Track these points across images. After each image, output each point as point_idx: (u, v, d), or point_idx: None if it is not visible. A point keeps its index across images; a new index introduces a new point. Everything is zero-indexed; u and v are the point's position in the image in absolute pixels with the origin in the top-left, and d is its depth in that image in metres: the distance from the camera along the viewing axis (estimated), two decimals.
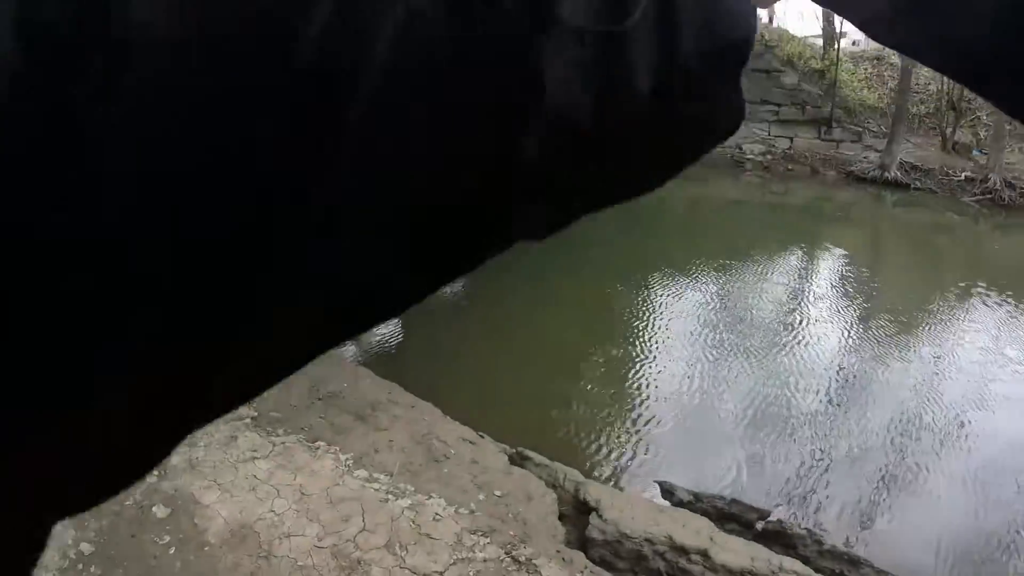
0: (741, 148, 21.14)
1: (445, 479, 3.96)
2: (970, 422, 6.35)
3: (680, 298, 9.62)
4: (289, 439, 4.17)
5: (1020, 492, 5.40)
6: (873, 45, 29.36)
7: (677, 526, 3.79)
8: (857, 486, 5.32)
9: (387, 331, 8.54)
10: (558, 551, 3.46)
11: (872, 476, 5.47)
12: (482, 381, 6.69)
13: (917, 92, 20.48)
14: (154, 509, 3.45)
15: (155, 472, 2.68)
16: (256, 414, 4.48)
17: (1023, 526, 5.00)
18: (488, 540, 3.37)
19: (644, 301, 9.49)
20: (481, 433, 4.82)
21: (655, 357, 7.66)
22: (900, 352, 8.00)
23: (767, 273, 11.13)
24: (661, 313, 9.10)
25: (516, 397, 6.29)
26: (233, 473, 3.78)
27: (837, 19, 22.43)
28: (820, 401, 6.66)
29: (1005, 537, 4.88)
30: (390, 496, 3.64)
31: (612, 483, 4.94)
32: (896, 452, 5.82)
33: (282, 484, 3.70)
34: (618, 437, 5.81)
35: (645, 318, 8.93)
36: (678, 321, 8.76)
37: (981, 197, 16.58)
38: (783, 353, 7.81)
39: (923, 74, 21.04)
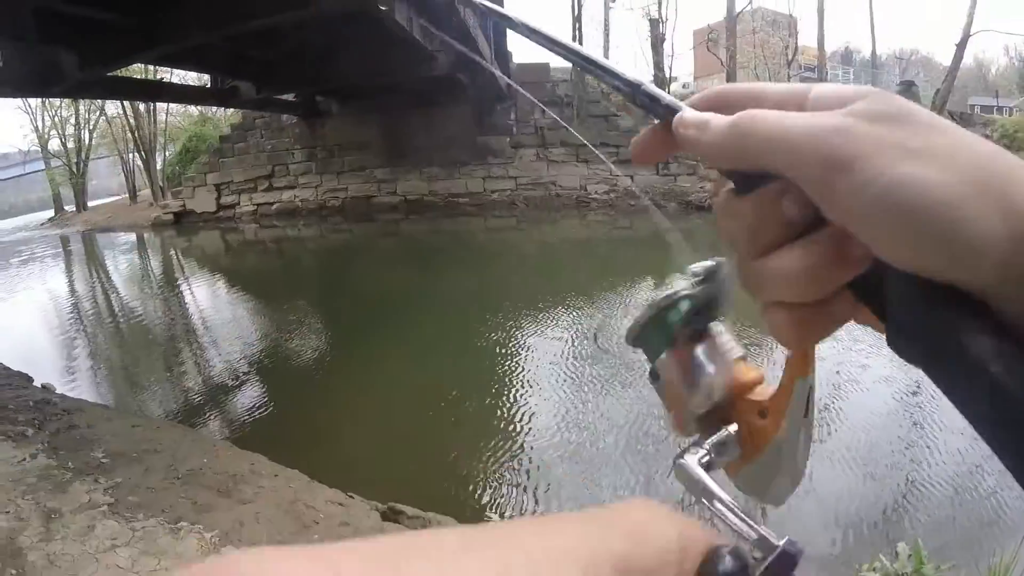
0: (586, 189, 22.09)
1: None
2: (834, 405, 6.85)
3: (542, 335, 9.91)
4: (149, 523, 4.13)
5: (892, 468, 5.83)
6: (701, 86, 31.53)
7: None
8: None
9: (247, 403, 8.43)
10: None
11: None
12: (347, 442, 6.70)
13: None
14: None
15: (12, 571, 2.70)
16: (113, 500, 4.41)
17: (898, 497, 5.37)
18: None
19: (506, 341, 9.72)
20: (350, 494, 4.88)
21: (525, 395, 7.84)
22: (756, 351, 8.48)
23: (620, 303, 11.62)
24: (524, 351, 9.36)
25: (384, 452, 6.34)
26: (94, 565, 3.72)
27: (667, 65, 24.06)
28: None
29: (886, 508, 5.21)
30: None
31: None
32: None
33: (146, 570, 3.67)
34: (496, 478, 5.92)
35: (509, 358, 9.16)
36: (542, 357, 9.02)
37: None
38: (643, 380, 8.16)
39: None
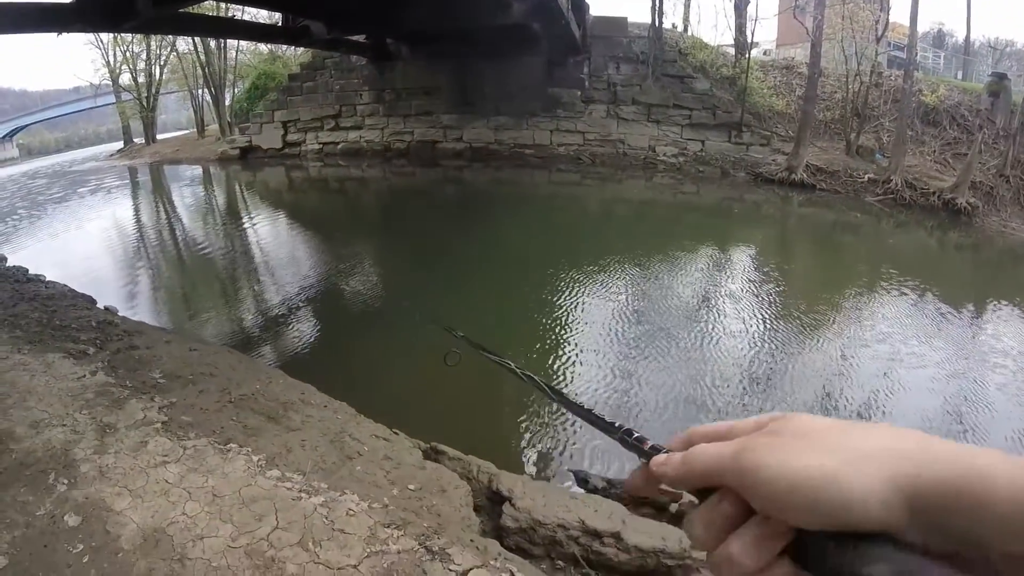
0: (654, 150, 21.63)
1: (358, 476, 4.00)
2: (879, 404, 6.69)
3: (595, 294, 9.80)
4: (200, 442, 4.14)
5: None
6: (783, 55, 30.47)
7: (589, 511, 3.90)
8: None
9: (301, 335, 8.50)
10: (472, 540, 3.53)
11: None
12: (396, 380, 6.70)
13: (823, 99, 21.30)
14: (65, 518, 3.39)
15: (64, 480, 2.68)
16: (167, 419, 4.43)
17: None
18: (402, 532, 3.42)
19: (559, 297, 9.62)
20: (395, 430, 4.85)
21: (570, 350, 7.80)
22: (805, 340, 8.34)
23: (681, 269, 11.43)
24: (575, 308, 9.26)
25: (431, 394, 6.32)
26: (144, 478, 3.74)
27: (749, 29, 23.24)
28: (733, 389, 6.90)
29: None
30: (303, 494, 3.66)
31: (528, 473, 5.04)
32: None
33: (194, 487, 3.68)
34: (534, 429, 5.90)
35: (559, 313, 9.07)
36: (592, 316, 8.95)
37: (883, 197, 17.39)
38: (697, 344, 8.06)
39: (829, 82, 21.95)
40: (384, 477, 4.03)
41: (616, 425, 0.72)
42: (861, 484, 0.48)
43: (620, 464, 5.51)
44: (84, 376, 5.20)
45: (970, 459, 0.47)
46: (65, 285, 9.01)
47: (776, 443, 0.53)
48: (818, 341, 8.38)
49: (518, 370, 1.02)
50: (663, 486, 0.64)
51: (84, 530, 3.32)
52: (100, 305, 8.25)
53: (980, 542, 0.45)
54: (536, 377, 0.96)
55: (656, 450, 0.65)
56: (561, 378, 6.99)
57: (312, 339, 8.38)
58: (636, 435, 0.68)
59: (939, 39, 44.56)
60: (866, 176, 18.49)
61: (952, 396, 6.97)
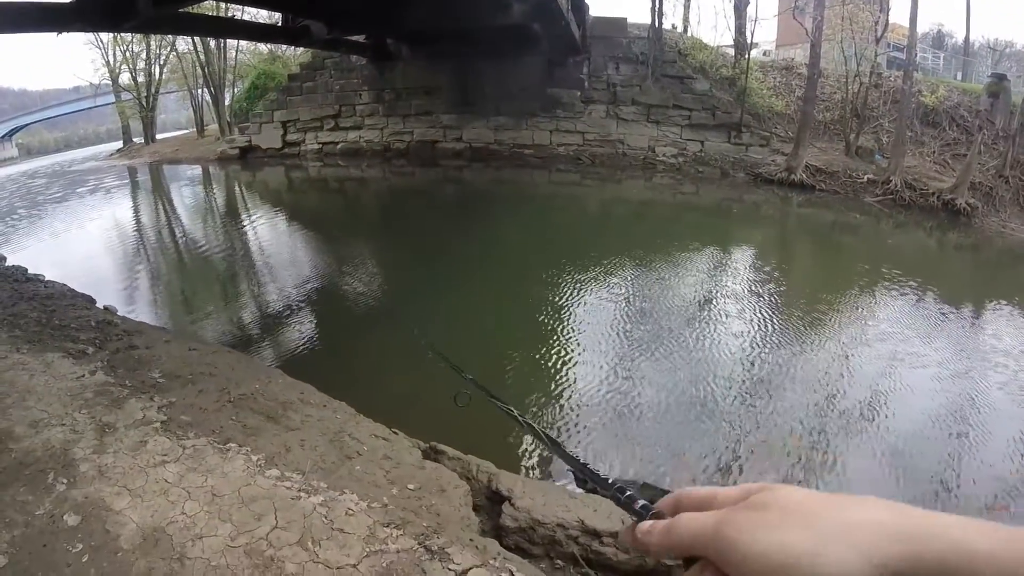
0: (653, 151, 21.64)
1: (358, 475, 4.00)
2: (875, 403, 6.69)
3: (596, 294, 9.81)
4: (199, 442, 4.14)
5: (941, 463, 5.73)
6: (782, 55, 30.46)
7: (588, 511, 3.90)
8: (774, 467, 5.54)
9: (301, 334, 8.51)
10: (471, 540, 3.53)
11: (788, 457, 5.70)
12: (395, 380, 6.69)
13: (823, 100, 21.32)
14: (65, 517, 3.39)
15: (64, 480, 2.68)
16: (166, 418, 4.44)
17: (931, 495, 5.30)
18: (401, 532, 3.42)
19: (559, 296, 9.62)
20: (394, 430, 4.86)
21: (569, 349, 7.81)
22: (808, 340, 8.35)
23: (682, 269, 11.43)
24: (575, 307, 9.26)
25: (430, 393, 6.32)
26: (143, 478, 3.75)
27: (748, 30, 23.24)
28: (737, 389, 6.90)
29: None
30: (302, 494, 3.66)
31: (526, 473, 5.04)
32: (810, 434, 6.08)
33: (193, 486, 3.68)
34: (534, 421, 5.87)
35: (559, 312, 9.07)
36: (592, 315, 8.95)
37: (883, 198, 17.41)
38: (694, 343, 8.06)
39: (828, 83, 21.97)
40: (383, 476, 4.03)
41: (610, 482, 0.74)
42: (839, 562, 0.49)
43: (619, 464, 5.52)
44: (83, 376, 5.20)
45: (950, 533, 0.49)
46: (64, 285, 9.01)
47: (756, 519, 0.55)
48: (819, 341, 8.38)
49: (520, 417, 1.06)
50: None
51: (83, 529, 3.32)
52: (99, 305, 8.25)
53: None
54: (536, 426, 1.01)
55: (646, 509, 0.67)
56: (563, 379, 6.99)
57: (311, 339, 8.39)
58: (628, 494, 0.71)
59: (939, 40, 44.56)
60: (865, 177, 18.50)
61: (954, 396, 6.97)
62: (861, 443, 5.99)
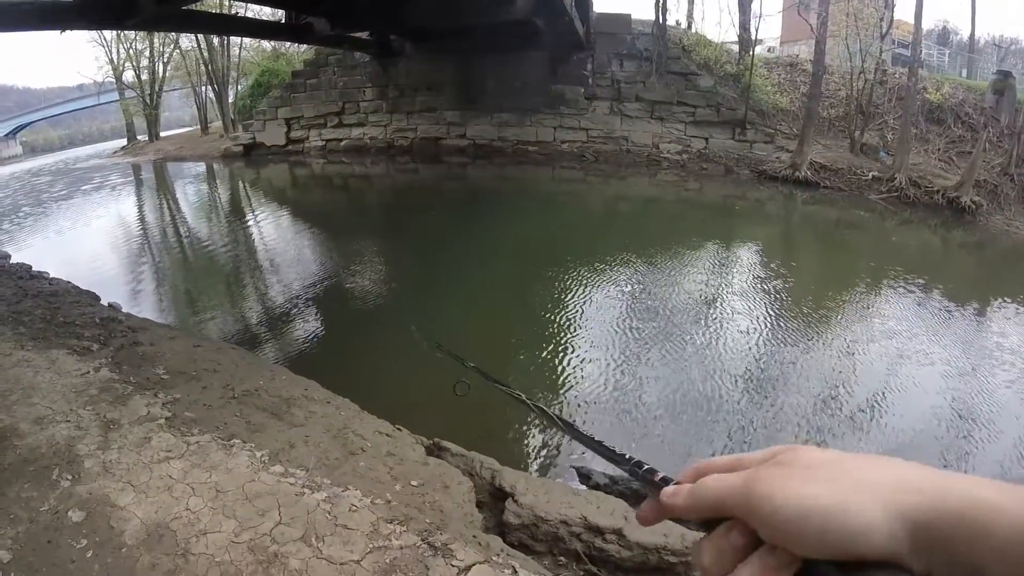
0: (658, 147, 21.61)
1: (361, 471, 4.00)
2: (882, 400, 6.68)
3: (599, 289, 9.80)
4: (203, 438, 4.15)
5: (949, 462, 5.73)
6: (787, 52, 30.38)
7: (592, 508, 3.90)
8: None
9: (305, 331, 8.52)
10: (475, 536, 3.53)
11: None
12: (399, 377, 6.70)
13: (827, 97, 21.27)
14: (69, 513, 3.40)
15: (68, 476, 2.68)
16: (170, 415, 4.44)
17: None
18: (404, 528, 3.42)
19: (563, 293, 9.61)
20: (398, 426, 4.86)
21: (574, 346, 7.80)
22: (812, 337, 8.34)
23: (684, 265, 11.42)
24: (579, 304, 9.25)
25: (434, 390, 6.32)
26: (147, 474, 3.75)
27: (753, 26, 23.18)
28: (738, 385, 6.89)
29: None
30: (306, 490, 3.67)
31: (531, 470, 5.05)
32: (815, 432, 6.08)
33: (197, 483, 3.69)
34: (537, 425, 5.90)
35: (563, 310, 9.06)
36: (596, 312, 8.94)
37: (887, 195, 17.37)
38: (699, 340, 8.05)
39: (833, 80, 21.91)
40: (387, 473, 4.04)
41: (627, 457, 0.73)
42: (867, 514, 0.50)
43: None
44: (88, 372, 5.21)
45: (971, 489, 0.50)
46: (69, 282, 9.03)
47: (784, 474, 0.56)
48: (826, 338, 8.38)
49: (529, 401, 1.04)
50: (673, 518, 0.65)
51: (88, 525, 3.33)
52: (104, 302, 8.26)
53: (981, 571, 0.47)
54: (547, 408, 0.97)
55: (666, 482, 0.66)
56: (571, 375, 6.99)
57: (315, 336, 8.40)
58: (646, 467, 0.70)
59: (944, 37, 44.40)
60: (870, 174, 18.46)
61: (961, 393, 6.96)
62: (868, 441, 5.98)
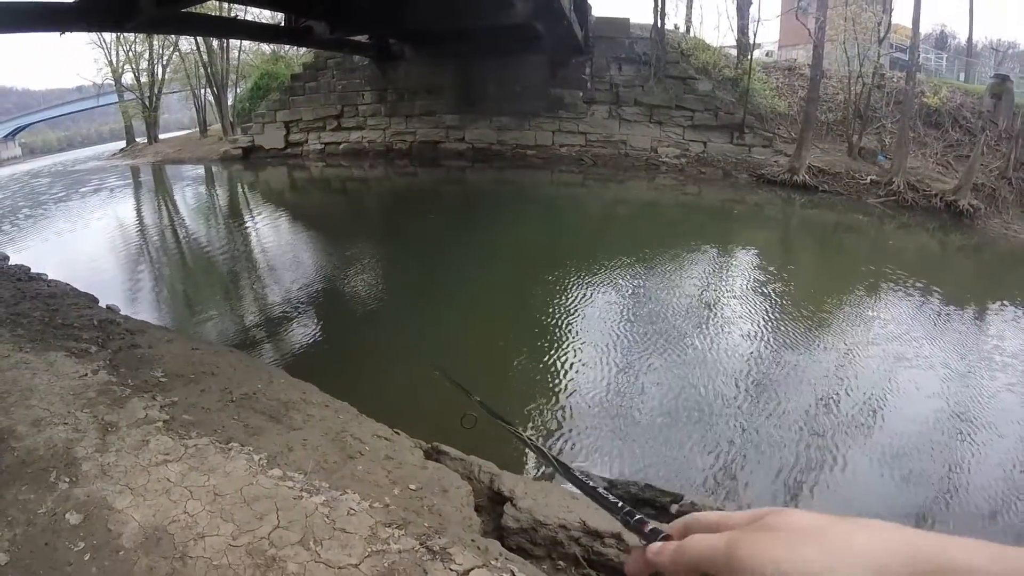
0: (656, 151, 21.63)
1: (360, 475, 4.00)
2: (882, 403, 6.69)
3: (598, 293, 9.82)
4: (201, 441, 4.14)
5: (940, 463, 5.75)
6: (785, 56, 30.44)
7: (590, 512, 3.89)
8: (778, 468, 5.55)
9: (303, 334, 8.51)
10: (473, 540, 3.52)
11: (792, 458, 5.71)
12: (398, 380, 6.70)
13: (825, 101, 21.31)
14: (67, 516, 3.39)
15: (66, 479, 2.68)
16: (168, 417, 4.43)
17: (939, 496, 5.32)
18: (403, 532, 3.41)
19: (562, 297, 9.62)
20: (396, 430, 4.86)
21: (572, 350, 7.80)
22: (812, 340, 8.35)
23: (687, 270, 11.43)
24: (578, 308, 9.26)
25: (432, 393, 6.32)
26: (145, 477, 3.74)
27: (751, 31, 23.21)
28: (737, 389, 6.90)
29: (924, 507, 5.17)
30: (304, 493, 3.66)
31: (529, 474, 5.04)
32: (819, 436, 6.08)
33: (195, 486, 3.67)
34: (535, 428, 5.90)
35: (562, 313, 9.07)
36: (595, 315, 8.95)
37: (885, 199, 17.41)
38: (699, 344, 8.06)
39: (831, 84, 21.95)
40: (385, 477, 4.03)
41: (619, 505, 0.76)
42: None
43: (621, 464, 5.52)
44: (86, 375, 5.20)
45: (949, 551, 0.51)
46: (67, 284, 9.02)
47: (767, 538, 0.57)
48: (825, 342, 8.40)
49: (529, 441, 1.10)
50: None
51: (85, 528, 3.32)
52: (102, 304, 8.26)
53: None
54: (545, 449, 1.05)
55: (656, 532, 0.69)
56: (568, 382, 6.99)
57: (313, 340, 8.39)
58: (637, 517, 0.72)
59: (941, 41, 44.49)
60: (868, 178, 18.51)
61: (961, 396, 6.98)
62: (867, 445, 5.99)
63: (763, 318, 9.00)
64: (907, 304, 9.94)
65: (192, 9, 15.25)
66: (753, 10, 23.53)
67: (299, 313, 9.45)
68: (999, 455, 5.99)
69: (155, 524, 3.35)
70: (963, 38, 36.84)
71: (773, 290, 10.22)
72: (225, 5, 23.47)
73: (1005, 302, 10.40)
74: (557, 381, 6.99)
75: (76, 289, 8.79)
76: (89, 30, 19.54)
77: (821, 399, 6.78)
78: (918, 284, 10.72)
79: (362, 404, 5.30)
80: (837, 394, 6.90)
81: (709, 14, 56.88)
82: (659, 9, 22.21)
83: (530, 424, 6.08)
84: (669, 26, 24.02)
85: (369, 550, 3.24)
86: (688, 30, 28.02)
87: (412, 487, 3.95)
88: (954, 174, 18.28)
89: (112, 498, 3.54)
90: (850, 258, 13.43)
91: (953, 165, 19.13)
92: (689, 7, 30.89)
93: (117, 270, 12.34)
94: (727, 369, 7.36)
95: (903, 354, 7.98)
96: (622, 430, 6.08)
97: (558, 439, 5.84)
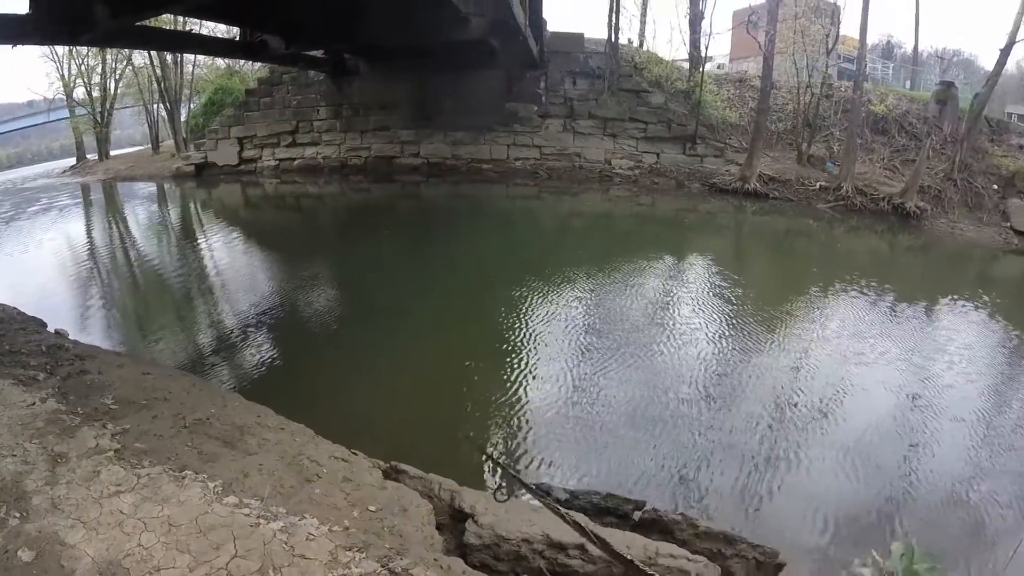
0: (610, 164, 21.84)
1: (317, 499, 3.95)
2: (842, 398, 6.84)
3: (554, 304, 9.87)
4: (154, 470, 4.06)
5: (901, 451, 5.88)
6: (736, 68, 30.95)
7: (553, 524, 3.88)
8: (739, 470, 5.63)
9: (257, 356, 8.41)
10: (436, 559, 3.51)
11: (753, 459, 5.79)
12: (355, 400, 6.66)
13: (775, 111, 21.78)
14: (19, 553, 3.29)
15: (16, 514, 2.61)
16: (120, 446, 4.34)
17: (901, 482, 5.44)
18: (364, 555, 3.38)
19: (518, 310, 9.66)
20: (354, 451, 4.82)
21: (530, 362, 7.83)
22: (767, 342, 8.48)
23: (641, 280, 11.54)
24: (534, 320, 9.30)
25: (390, 412, 6.30)
26: (98, 509, 3.66)
27: (703, 44, 23.56)
28: (698, 392, 6.99)
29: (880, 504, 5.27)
30: (261, 520, 3.61)
31: (490, 488, 5.03)
32: (775, 433, 6.18)
33: (149, 517, 3.60)
34: (496, 442, 5.91)
35: (519, 326, 9.11)
36: (552, 327, 8.99)
37: (835, 204, 17.89)
38: (657, 352, 8.14)
39: (781, 94, 22.40)
40: (344, 499, 3.99)
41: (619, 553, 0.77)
42: None
43: (582, 475, 5.53)
44: (34, 403, 5.06)
45: None
46: (14, 308, 8.79)
47: None
48: (779, 340, 8.58)
49: (566, 516, 1.13)
50: None
51: (38, 565, 3.23)
52: (51, 328, 8.06)
53: None
54: (585, 526, 1.07)
55: None
56: (529, 395, 7.00)
57: (268, 361, 8.29)
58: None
59: (888, 50, 45.60)
60: (818, 184, 18.95)
61: (919, 387, 7.22)
62: (829, 439, 6.13)
63: (720, 323, 9.14)
64: (860, 303, 10.19)
65: (147, 23, 15.04)
66: (705, 24, 23.93)
67: (253, 334, 9.33)
68: (959, 438, 6.17)
69: (109, 559, 3.27)
70: (909, 47, 37.98)
71: (728, 295, 10.38)
72: (180, 19, 23.24)
73: (954, 297, 10.71)
74: (517, 394, 7.00)
75: (24, 313, 8.56)
76: (43, 43, 19.19)
77: (780, 398, 6.91)
78: (870, 284, 10.98)
79: (319, 425, 5.24)
80: (797, 392, 7.03)
81: (662, 28, 57.80)
82: (613, 24, 22.52)
83: (490, 437, 6.08)
84: (623, 40, 24.38)
85: (330, 575, 3.21)
86: (642, 44, 28.38)
87: (372, 508, 3.92)
88: (901, 178, 18.81)
89: (64, 533, 3.45)
90: (802, 261, 13.72)
91: (900, 169, 19.65)
92: (643, 22, 31.34)
93: (67, 293, 12.06)
94: (687, 374, 7.46)
95: (860, 350, 8.16)
96: (584, 440, 6.11)
97: (517, 453, 5.84)
